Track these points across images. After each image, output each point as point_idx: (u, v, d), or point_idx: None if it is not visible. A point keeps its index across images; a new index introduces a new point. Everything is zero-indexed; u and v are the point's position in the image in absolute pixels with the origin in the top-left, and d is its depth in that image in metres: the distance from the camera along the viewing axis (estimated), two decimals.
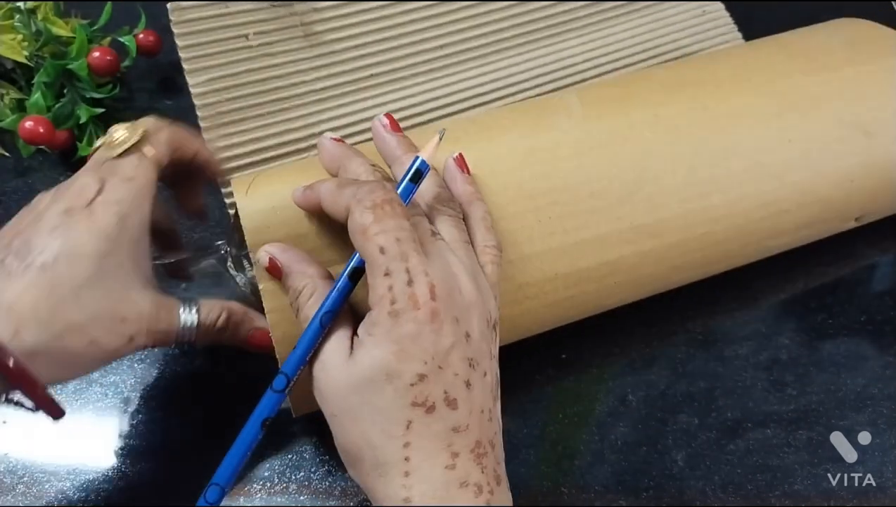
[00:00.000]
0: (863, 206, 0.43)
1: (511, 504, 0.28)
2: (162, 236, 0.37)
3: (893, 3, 0.61)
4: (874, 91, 0.42)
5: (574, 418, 0.39)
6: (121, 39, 0.50)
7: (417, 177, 0.30)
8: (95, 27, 0.49)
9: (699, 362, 0.42)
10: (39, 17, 0.47)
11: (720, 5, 0.56)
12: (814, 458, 0.39)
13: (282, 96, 0.46)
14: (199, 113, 0.44)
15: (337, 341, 0.28)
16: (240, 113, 0.45)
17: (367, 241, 0.27)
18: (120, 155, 0.32)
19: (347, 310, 0.29)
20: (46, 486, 0.37)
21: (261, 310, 0.33)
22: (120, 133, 0.32)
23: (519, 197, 0.35)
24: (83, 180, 0.32)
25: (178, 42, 0.44)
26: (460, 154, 0.34)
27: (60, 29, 0.48)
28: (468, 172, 0.34)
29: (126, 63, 0.50)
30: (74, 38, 0.47)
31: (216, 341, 0.34)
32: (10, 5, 0.46)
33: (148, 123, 0.33)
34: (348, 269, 0.29)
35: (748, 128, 0.39)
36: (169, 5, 0.43)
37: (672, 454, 0.39)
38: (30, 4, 0.46)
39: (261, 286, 0.32)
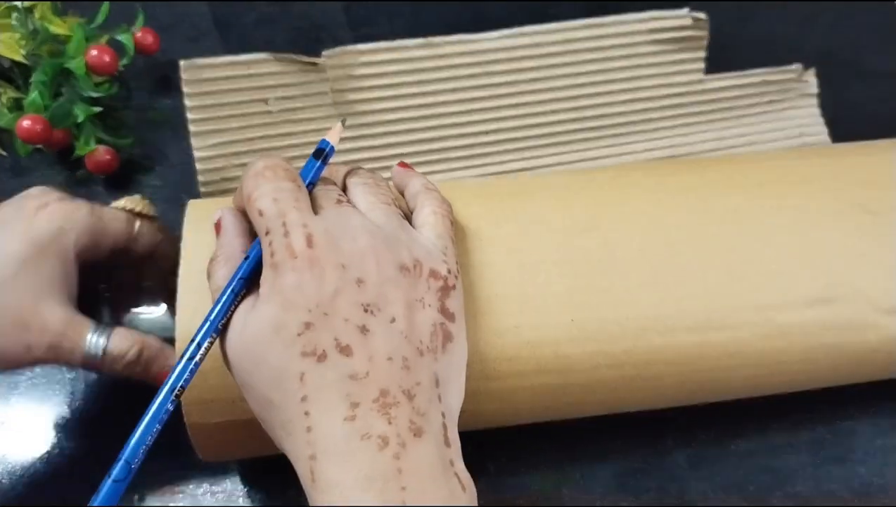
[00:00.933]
0: None
1: (429, 457, 0.26)
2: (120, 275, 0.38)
3: (894, 2, 0.61)
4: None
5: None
6: (119, 38, 0.50)
7: (320, 154, 0.30)
8: (93, 26, 0.48)
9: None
10: (37, 15, 0.47)
11: (823, 129, 0.48)
12: (815, 459, 0.38)
13: (298, 166, 0.43)
14: (200, 177, 0.42)
15: (239, 314, 0.27)
16: None
17: (250, 210, 0.27)
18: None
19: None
20: (46, 485, 0.36)
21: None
22: (130, 200, 0.35)
23: (460, 215, 0.33)
24: (49, 189, 0.34)
25: (188, 102, 0.41)
26: (401, 161, 0.34)
27: (58, 27, 0.47)
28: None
29: (124, 62, 0.50)
30: (72, 36, 0.47)
31: (125, 374, 0.34)
32: (7, 4, 0.46)
33: (157, 221, 0.36)
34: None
35: (722, 191, 0.36)
36: (182, 63, 0.41)
37: (673, 454, 0.38)
38: (27, 3, 0.46)
39: (182, 262, 0.32)
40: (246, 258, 0.28)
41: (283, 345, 0.25)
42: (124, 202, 0.35)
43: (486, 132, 0.45)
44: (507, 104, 0.45)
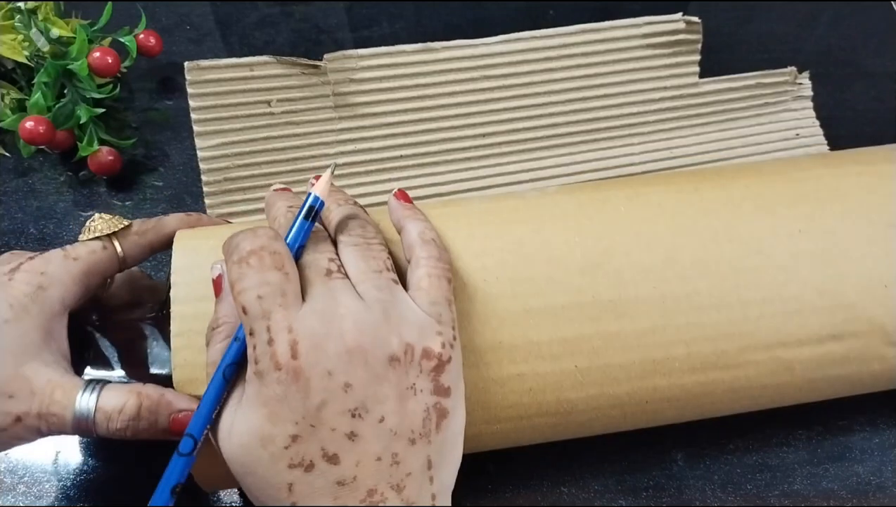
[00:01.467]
0: None
1: None
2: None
3: (893, 3, 0.61)
4: None
5: None
6: (121, 40, 0.50)
7: (310, 213, 0.28)
8: (96, 27, 0.49)
9: None
10: (40, 17, 0.47)
11: (818, 130, 0.49)
12: (813, 457, 0.39)
13: (300, 168, 0.43)
14: (203, 177, 0.42)
15: (227, 410, 0.27)
16: (250, 180, 0.43)
17: (234, 300, 0.26)
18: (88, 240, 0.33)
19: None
20: (47, 486, 0.37)
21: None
22: (97, 222, 0.33)
23: (464, 252, 0.32)
24: (20, 252, 0.32)
25: (192, 103, 0.41)
26: (400, 189, 0.33)
27: (61, 29, 0.48)
28: (409, 201, 0.32)
29: (126, 63, 0.50)
30: (75, 38, 0.47)
31: (130, 435, 0.30)
32: (10, 5, 0.46)
33: (135, 223, 0.34)
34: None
35: (748, 212, 0.34)
36: (186, 64, 0.41)
37: (672, 453, 0.39)
38: (30, 4, 0.46)
39: (173, 309, 0.30)
40: (235, 339, 0.27)
41: (270, 458, 0.25)
42: (96, 225, 0.33)
43: (485, 135, 0.45)
44: (505, 108, 0.45)
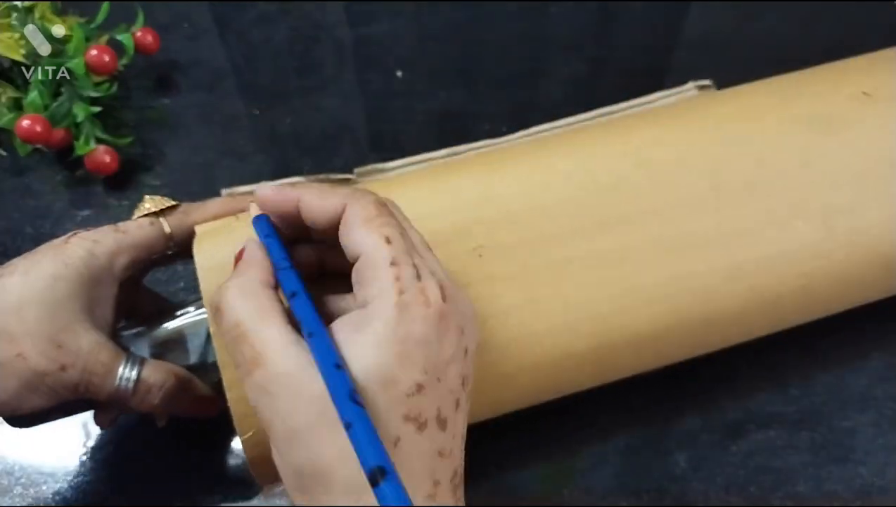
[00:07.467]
0: None
1: None
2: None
3: (893, 2, 0.61)
4: None
5: (576, 419, 0.39)
6: (118, 38, 0.50)
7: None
8: (93, 25, 0.48)
9: (701, 362, 0.41)
10: (37, 15, 0.47)
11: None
12: (816, 459, 0.38)
13: None
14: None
15: (297, 347, 0.23)
16: None
17: (371, 230, 0.24)
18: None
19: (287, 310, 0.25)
20: (44, 487, 0.36)
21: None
22: (147, 203, 0.34)
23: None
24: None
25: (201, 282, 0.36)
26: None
27: (58, 27, 0.47)
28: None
29: (124, 61, 0.50)
30: (72, 36, 0.46)
31: (155, 406, 0.32)
32: (7, 4, 0.46)
33: (182, 204, 0.34)
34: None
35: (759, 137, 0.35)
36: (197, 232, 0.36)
37: (674, 455, 0.38)
38: (27, 3, 0.46)
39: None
40: (285, 268, 0.25)
41: (388, 401, 0.22)
42: (146, 204, 0.34)
43: None
44: None
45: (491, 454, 0.37)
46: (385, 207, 0.25)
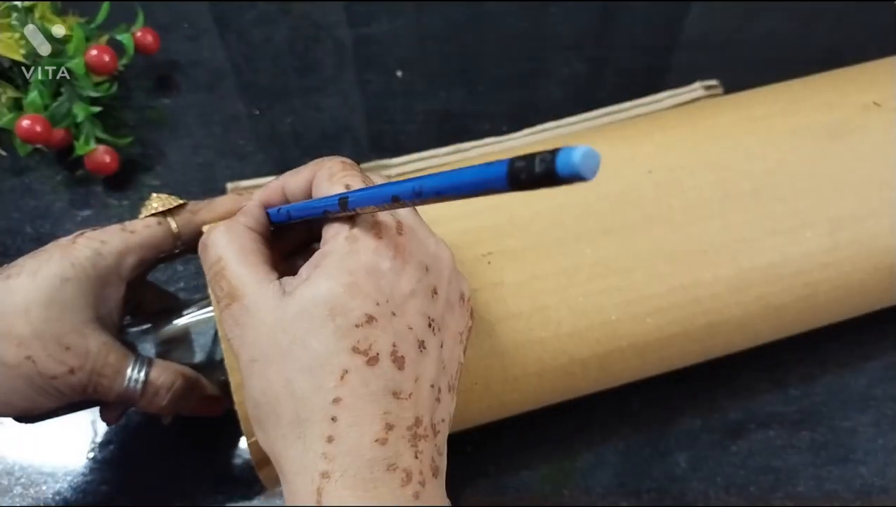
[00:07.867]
0: None
1: (445, 505, 0.24)
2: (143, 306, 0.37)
3: (893, 2, 0.61)
4: None
5: (576, 419, 0.39)
6: (118, 38, 0.49)
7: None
8: (93, 25, 0.48)
9: (701, 362, 0.41)
10: (37, 15, 0.47)
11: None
12: (816, 459, 0.38)
13: None
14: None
15: (267, 283, 0.24)
16: None
17: (333, 183, 0.25)
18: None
19: (273, 256, 0.27)
20: (44, 487, 0.36)
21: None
22: (154, 201, 0.34)
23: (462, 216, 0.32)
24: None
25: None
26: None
27: (58, 27, 0.47)
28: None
29: (124, 61, 0.50)
30: (71, 36, 0.46)
31: (163, 408, 0.32)
32: (7, 4, 0.46)
33: (189, 203, 0.34)
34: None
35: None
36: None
37: (674, 455, 0.38)
38: (27, 3, 0.46)
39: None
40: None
41: (335, 331, 0.22)
42: (153, 203, 0.34)
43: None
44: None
45: (491, 454, 0.37)
46: (351, 165, 0.26)
